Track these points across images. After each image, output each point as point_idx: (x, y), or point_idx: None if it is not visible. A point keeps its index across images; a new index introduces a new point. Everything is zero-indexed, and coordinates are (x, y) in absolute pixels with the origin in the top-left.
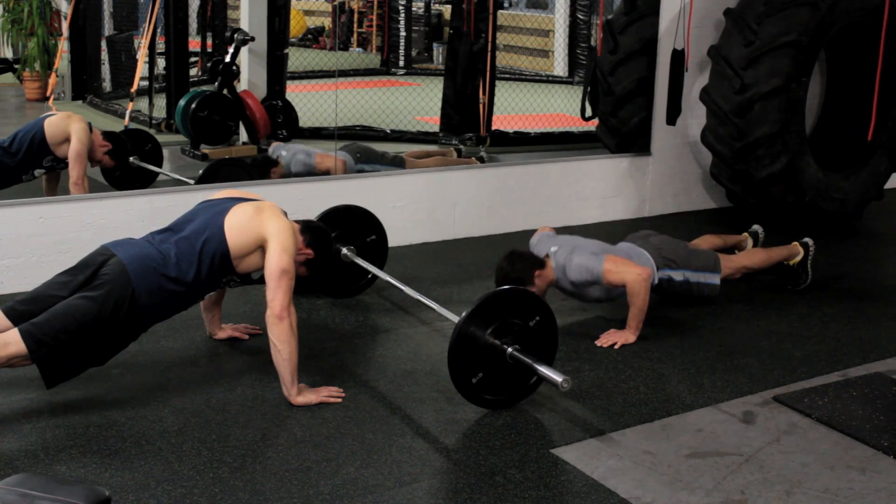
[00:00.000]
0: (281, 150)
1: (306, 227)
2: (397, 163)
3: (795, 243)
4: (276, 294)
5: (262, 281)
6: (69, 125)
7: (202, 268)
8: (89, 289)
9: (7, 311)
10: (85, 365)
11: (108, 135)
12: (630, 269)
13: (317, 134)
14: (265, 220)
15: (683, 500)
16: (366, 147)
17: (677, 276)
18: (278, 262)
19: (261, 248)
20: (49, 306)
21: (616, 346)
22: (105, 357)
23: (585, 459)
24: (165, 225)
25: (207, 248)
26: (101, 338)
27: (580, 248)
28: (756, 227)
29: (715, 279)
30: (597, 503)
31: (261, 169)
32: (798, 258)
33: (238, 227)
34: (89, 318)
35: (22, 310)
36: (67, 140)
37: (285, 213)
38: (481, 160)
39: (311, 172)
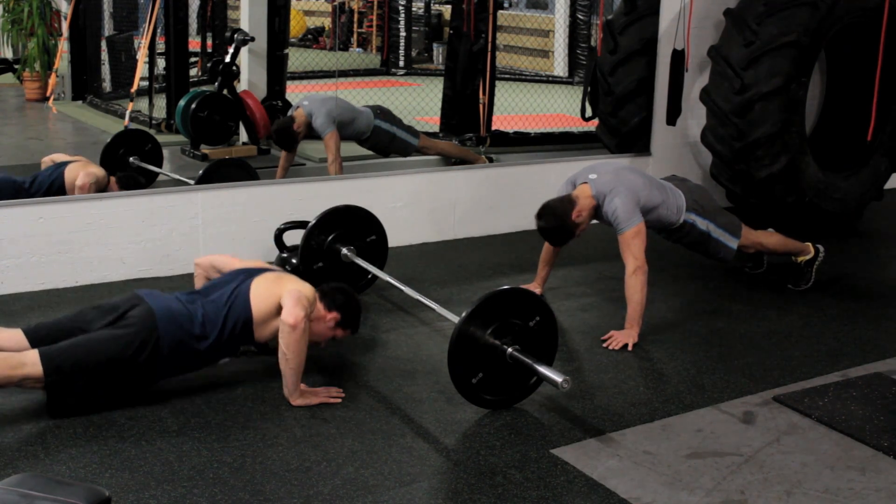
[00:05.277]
0: (303, 101)
1: (322, 293)
2: (412, 132)
3: (809, 243)
4: (294, 308)
5: (276, 350)
6: (88, 169)
7: (224, 331)
8: (116, 327)
9: (28, 332)
10: (91, 402)
11: (123, 182)
12: (636, 257)
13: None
14: (285, 283)
15: (683, 500)
16: (386, 108)
17: (701, 223)
18: (296, 292)
19: (279, 311)
20: (71, 336)
21: (629, 348)
22: (111, 398)
23: (585, 459)
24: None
25: (232, 313)
26: (115, 378)
27: (625, 189)
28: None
29: (733, 243)
30: (597, 503)
31: (286, 132)
32: (807, 257)
33: (262, 293)
34: (110, 355)
35: (43, 335)
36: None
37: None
38: (490, 160)
39: (318, 136)
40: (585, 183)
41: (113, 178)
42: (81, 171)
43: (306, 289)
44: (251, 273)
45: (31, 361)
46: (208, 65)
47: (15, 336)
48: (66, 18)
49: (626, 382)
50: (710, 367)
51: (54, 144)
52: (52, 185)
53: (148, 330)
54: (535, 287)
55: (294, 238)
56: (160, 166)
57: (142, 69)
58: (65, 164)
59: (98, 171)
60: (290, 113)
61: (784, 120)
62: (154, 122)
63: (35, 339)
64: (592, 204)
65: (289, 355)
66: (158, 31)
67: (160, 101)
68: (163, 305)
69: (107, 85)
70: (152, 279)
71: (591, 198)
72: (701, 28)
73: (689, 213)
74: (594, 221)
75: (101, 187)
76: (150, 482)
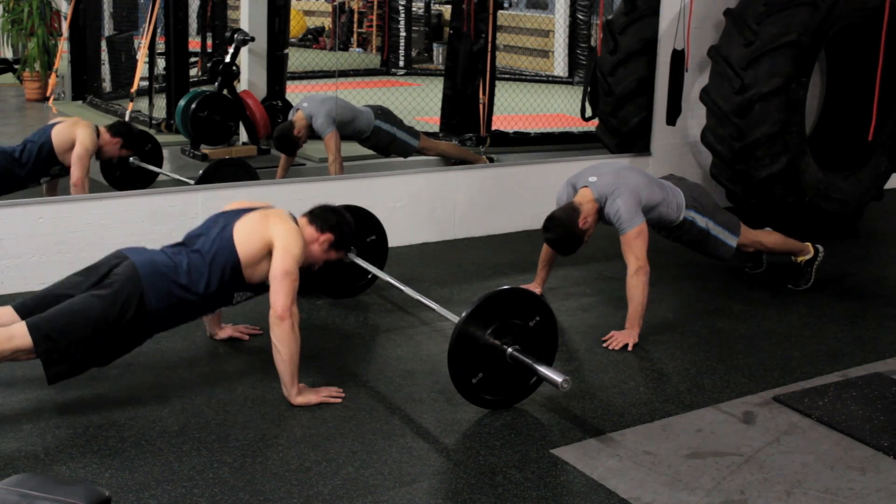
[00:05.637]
0: (303, 103)
1: (312, 216)
2: (413, 133)
3: (808, 243)
4: (279, 295)
5: None
6: (75, 132)
7: (213, 279)
8: (99, 287)
9: (17, 307)
10: (88, 364)
11: (114, 129)
12: (637, 257)
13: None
14: (271, 225)
15: (683, 500)
16: (387, 109)
17: (701, 221)
18: (281, 264)
19: (269, 254)
20: (58, 303)
21: (629, 348)
22: (108, 358)
23: (585, 459)
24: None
25: (218, 261)
26: (107, 338)
27: (627, 189)
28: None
29: (732, 241)
30: (597, 503)
31: (286, 138)
32: (807, 257)
33: (246, 236)
34: (96, 316)
35: (32, 306)
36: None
37: (294, 218)
38: (491, 160)
39: (318, 136)
40: (586, 187)
41: (103, 129)
42: (68, 132)
43: (294, 243)
44: (231, 217)
45: (19, 333)
46: (208, 65)
47: (5, 313)
48: (66, 18)
49: (626, 382)
50: (710, 367)
51: None
52: (41, 151)
53: (131, 286)
54: (535, 287)
55: None
56: (160, 166)
57: (142, 69)
58: (50, 126)
59: (87, 141)
60: (289, 117)
61: (784, 120)
62: (154, 122)
63: (24, 312)
64: (595, 208)
65: (280, 347)
66: (158, 31)
67: (160, 101)
68: (146, 259)
69: (107, 85)
70: None
71: (593, 202)
72: (701, 28)
73: (688, 210)
74: None
75: (93, 152)
76: (150, 482)
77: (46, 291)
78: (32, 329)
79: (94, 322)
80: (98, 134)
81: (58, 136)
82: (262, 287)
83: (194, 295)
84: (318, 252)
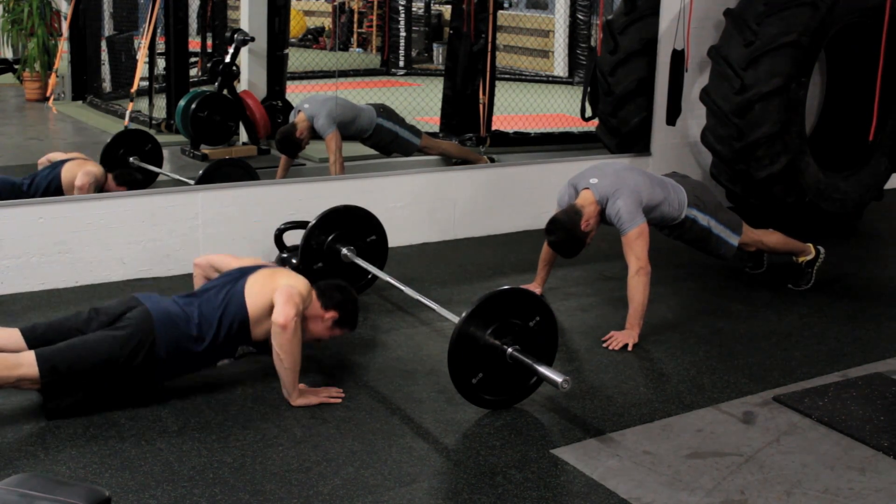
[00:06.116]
0: (304, 105)
1: (319, 290)
2: (414, 131)
3: (810, 244)
4: (284, 308)
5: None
6: (83, 169)
7: (220, 332)
8: (112, 328)
9: (25, 332)
10: (87, 404)
11: (120, 178)
12: (639, 257)
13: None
14: (279, 279)
15: (683, 500)
16: (389, 107)
17: (703, 219)
18: (287, 289)
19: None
20: (68, 337)
21: (629, 349)
22: (108, 400)
23: (585, 459)
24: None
25: (228, 313)
26: (112, 379)
27: (628, 189)
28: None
29: (734, 240)
30: (597, 503)
31: (289, 140)
32: (808, 257)
33: (256, 291)
34: (107, 355)
35: (40, 335)
36: None
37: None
38: (491, 160)
39: (320, 137)
40: (587, 189)
41: (110, 175)
42: (79, 170)
43: (299, 283)
44: (245, 272)
45: (27, 362)
46: (208, 65)
47: (12, 336)
48: (66, 18)
49: (626, 382)
50: (710, 367)
51: (54, 144)
52: (49, 186)
53: (144, 332)
54: (534, 287)
55: (294, 238)
56: (160, 166)
57: (142, 69)
58: (61, 162)
59: (96, 170)
60: (291, 119)
61: (784, 120)
62: (154, 122)
63: (32, 339)
64: (597, 209)
65: (282, 355)
66: (158, 31)
67: (160, 101)
68: (160, 308)
69: (107, 85)
70: (152, 279)
71: (595, 203)
72: (701, 28)
73: (690, 208)
74: None
75: (99, 185)
76: (150, 482)
77: (56, 323)
78: (41, 360)
79: (102, 361)
80: (105, 177)
81: (67, 173)
82: (265, 346)
83: (202, 347)
84: (322, 329)
